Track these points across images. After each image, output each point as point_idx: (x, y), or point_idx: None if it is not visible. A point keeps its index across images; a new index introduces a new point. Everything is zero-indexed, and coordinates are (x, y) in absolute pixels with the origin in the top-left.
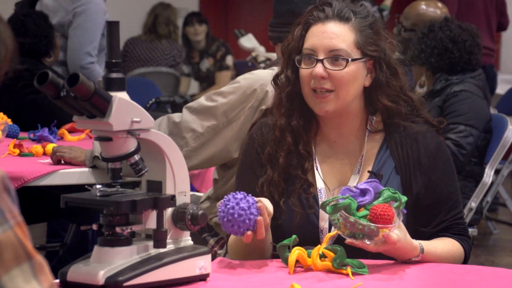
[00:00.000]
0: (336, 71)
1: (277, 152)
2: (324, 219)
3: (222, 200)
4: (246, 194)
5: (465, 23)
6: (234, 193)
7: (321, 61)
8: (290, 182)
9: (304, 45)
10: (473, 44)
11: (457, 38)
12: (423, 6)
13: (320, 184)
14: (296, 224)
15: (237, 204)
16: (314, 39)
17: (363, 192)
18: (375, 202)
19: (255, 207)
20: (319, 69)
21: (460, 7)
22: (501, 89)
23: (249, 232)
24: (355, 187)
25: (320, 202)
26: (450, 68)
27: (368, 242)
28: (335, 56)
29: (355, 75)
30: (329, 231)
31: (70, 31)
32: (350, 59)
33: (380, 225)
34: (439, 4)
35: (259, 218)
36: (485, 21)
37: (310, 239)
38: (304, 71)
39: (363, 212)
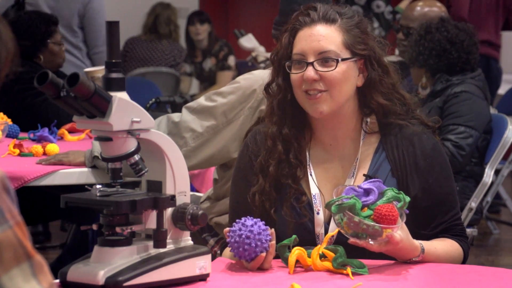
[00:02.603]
0: (327, 72)
1: (268, 161)
2: (319, 224)
3: (231, 228)
4: (257, 221)
5: (462, 22)
6: (244, 219)
7: (311, 64)
8: (282, 192)
9: (293, 50)
10: (471, 44)
11: (454, 38)
12: (425, 7)
13: (314, 190)
14: (290, 232)
15: (253, 225)
16: (302, 43)
17: (367, 192)
18: (379, 202)
19: (267, 233)
20: (309, 72)
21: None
22: (501, 89)
23: (263, 254)
24: (358, 186)
25: (314, 208)
26: (449, 69)
27: (371, 242)
28: (324, 58)
29: (346, 74)
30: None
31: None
32: (340, 59)
33: (384, 226)
34: (438, 3)
35: (272, 242)
36: (493, 18)
37: (307, 244)
38: (295, 75)
39: (366, 212)
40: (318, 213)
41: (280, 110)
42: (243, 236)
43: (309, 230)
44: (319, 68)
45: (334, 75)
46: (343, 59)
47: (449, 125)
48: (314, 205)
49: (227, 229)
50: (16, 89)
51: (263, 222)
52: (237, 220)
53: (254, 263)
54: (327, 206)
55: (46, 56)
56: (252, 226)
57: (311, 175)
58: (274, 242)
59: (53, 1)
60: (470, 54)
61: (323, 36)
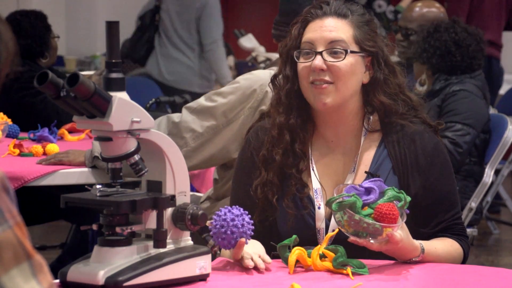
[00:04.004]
0: (335, 62)
1: (273, 151)
2: (320, 219)
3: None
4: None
5: (472, 26)
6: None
7: (320, 53)
8: (284, 182)
9: (302, 41)
10: (477, 50)
11: (461, 42)
12: (424, 8)
13: (315, 184)
14: (290, 225)
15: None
16: (312, 33)
17: (368, 191)
18: (380, 201)
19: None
20: (318, 61)
21: (472, 2)
22: (501, 89)
23: (243, 239)
24: (359, 185)
25: (315, 203)
26: (450, 70)
27: (371, 241)
28: (334, 48)
29: (353, 68)
30: (326, 231)
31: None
32: (349, 50)
33: (385, 224)
34: (436, 4)
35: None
36: (496, 18)
37: (307, 239)
38: (302, 65)
39: (367, 210)
40: (319, 208)
41: (287, 100)
42: (218, 226)
43: (309, 224)
44: (327, 58)
45: (342, 67)
46: (352, 51)
47: (447, 122)
48: (315, 200)
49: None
50: (15, 88)
51: (241, 208)
52: (215, 213)
53: (236, 250)
54: (328, 204)
55: (50, 53)
56: (225, 214)
57: (312, 169)
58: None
59: (178, 6)
60: (474, 59)
61: (335, 27)
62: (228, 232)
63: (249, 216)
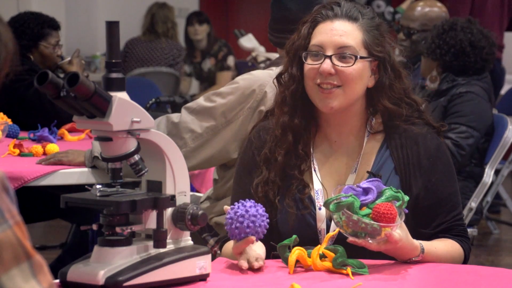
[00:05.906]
0: (344, 67)
1: (276, 151)
2: (321, 220)
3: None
4: (258, 205)
5: (486, 29)
6: (246, 200)
7: (329, 57)
8: (286, 182)
9: (311, 42)
10: (490, 52)
11: (476, 43)
12: (425, 7)
13: (317, 185)
14: (291, 225)
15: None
16: (322, 35)
17: (366, 191)
18: (378, 201)
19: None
20: (326, 65)
21: (474, 2)
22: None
23: (253, 237)
24: (357, 186)
25: (316, 203)
26: (461, 70)
27: (370, 241)
28: (343, 53)
29: (361, 73)
30: (327, 232)
31: None
32: (358, 56)
33: (383, 224)
34: (438, 3)
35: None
36: (498, 18)
37: (308, 240)
38: (309, 66)
39: (365, 210)
40: (320, 209)
41: (292, 100)
42: (238, 213)
43: (310, 225)
44: (336, 62)
45: (350, 71)
46: (361, 57)
47: (451, 123)
48: (316, 200)
49: (227, 207)
50: (7, 82)
51: (264, 209)
52: (240, 200)
53: (241, 243)
54: (325, 204)
55: (35, 56)
56: (250, 207)
57: (314, 170)
58: (253, 238)
59: None
60: (486, 62)
61: (345, 31)
62: (233, 226)
63: (263, 216)
